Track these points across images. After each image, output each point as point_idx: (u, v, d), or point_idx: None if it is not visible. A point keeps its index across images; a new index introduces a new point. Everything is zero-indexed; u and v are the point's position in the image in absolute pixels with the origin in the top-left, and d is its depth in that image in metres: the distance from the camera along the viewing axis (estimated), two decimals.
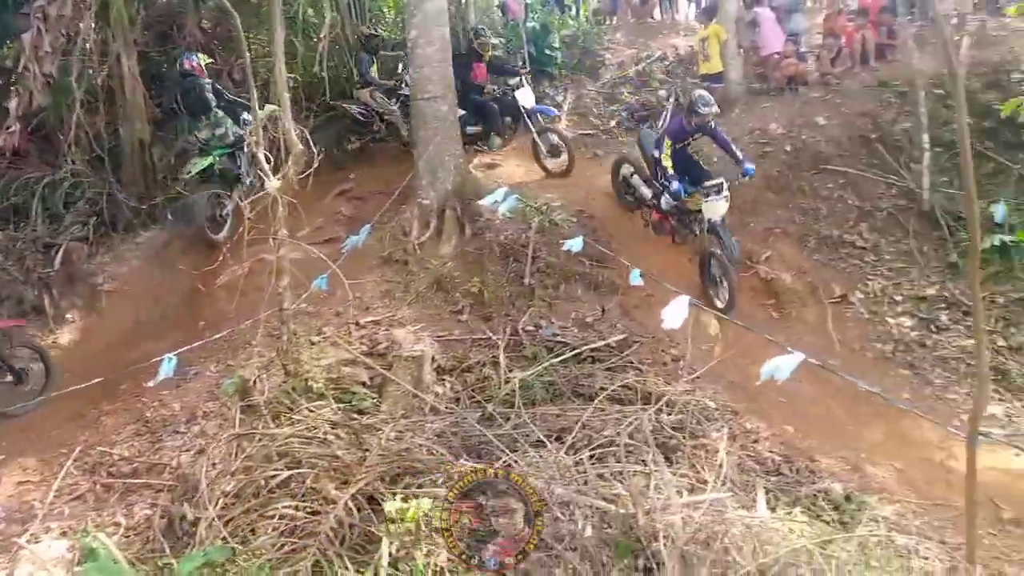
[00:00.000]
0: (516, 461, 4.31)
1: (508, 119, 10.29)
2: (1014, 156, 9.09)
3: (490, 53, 10.56)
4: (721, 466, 4.87)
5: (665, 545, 3.38)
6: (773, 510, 4.62)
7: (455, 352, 6.54)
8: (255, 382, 5.11)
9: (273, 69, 5.26)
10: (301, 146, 4.63)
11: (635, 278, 6.33)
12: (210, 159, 8.59)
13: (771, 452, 5.55)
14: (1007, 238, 8.09)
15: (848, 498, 5.00)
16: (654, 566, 3.54)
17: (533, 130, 9.92)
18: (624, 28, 15.39)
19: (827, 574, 3.09)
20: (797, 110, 10.33)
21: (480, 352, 6.52)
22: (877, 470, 5.75)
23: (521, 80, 10.18)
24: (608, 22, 15.80)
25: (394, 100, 10.19)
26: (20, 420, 6.36)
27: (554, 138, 9.96)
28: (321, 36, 9.88)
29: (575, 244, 6.59)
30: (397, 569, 3.62)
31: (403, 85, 10.07)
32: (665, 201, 7.94)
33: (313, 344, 6.13)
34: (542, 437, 4.80)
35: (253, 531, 3.93)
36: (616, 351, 6.49)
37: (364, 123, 10.37)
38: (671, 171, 7.55)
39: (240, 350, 6.56)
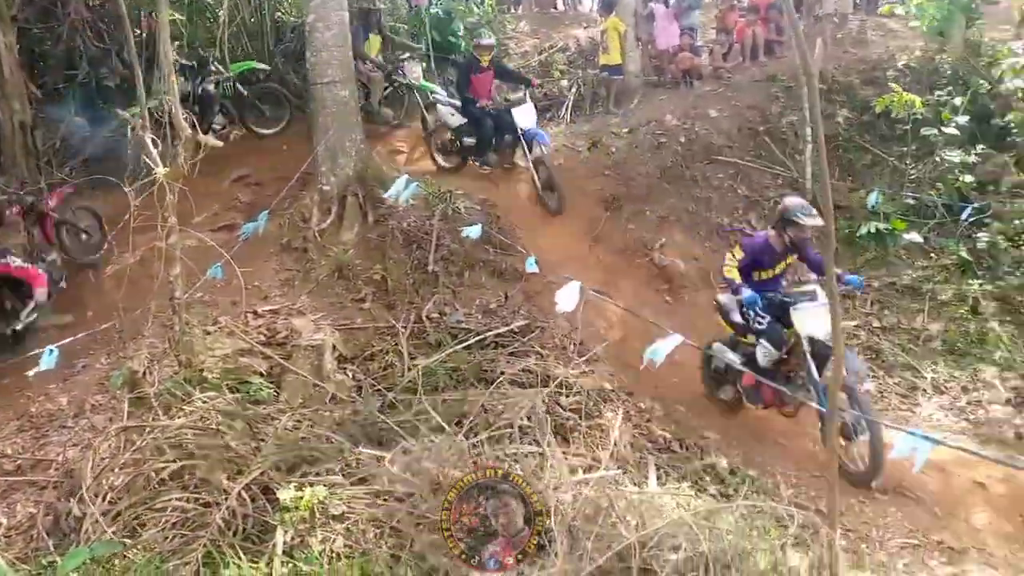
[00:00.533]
0: (413, 446, 4.35)
1: (508, 137, 8.92)
2: (889, 148, 9.74)
3: (488, 57, 9.14)
4: (615, 445, 5.07)
5: (556, 522, 3.50)
6: (663, 485, 4.84)
7: (357, 340, 6.52)
8: (145, 373, 4.97)
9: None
10: (190, 130, 4.52)
11: (531, 265, 6.49)
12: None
13: (663, 431, 5.81)
14: (882, 226, 8.62)
15: (732, 472, 5.31)
16: (546, 543, 3.66)
17: (529, 158, 8.75)
18: (528, 18, 15.60)
19: (703, 543, 3.28)
20: (691, 103, 10.72)
21: (383, 340, 6.52)
22: (762, 446, 6.08)
23: (525, 95, 8.93)
24: (512, 11, 15.92)
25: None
26: None
27: (545, 173, 8.76)
28: (219, 18, 9.56)
29: (473, 231, 6.68)
30: (292, 557, 3.62)
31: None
32: (761, 350, 5.84)
33: (208, 334, 5.98)
34: (441, 422, 4.86)
35: (142, 524, 3.85)
36: (519, 336, 6.61)
37: None
38: (738, 280, 5.73)
39: (132, 341, 6.36)
